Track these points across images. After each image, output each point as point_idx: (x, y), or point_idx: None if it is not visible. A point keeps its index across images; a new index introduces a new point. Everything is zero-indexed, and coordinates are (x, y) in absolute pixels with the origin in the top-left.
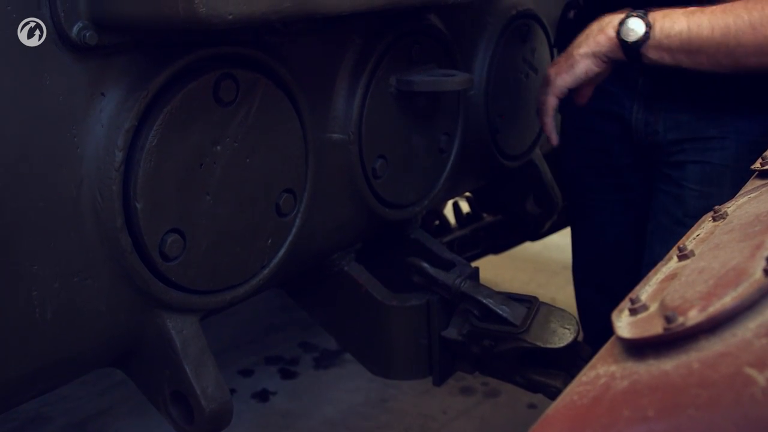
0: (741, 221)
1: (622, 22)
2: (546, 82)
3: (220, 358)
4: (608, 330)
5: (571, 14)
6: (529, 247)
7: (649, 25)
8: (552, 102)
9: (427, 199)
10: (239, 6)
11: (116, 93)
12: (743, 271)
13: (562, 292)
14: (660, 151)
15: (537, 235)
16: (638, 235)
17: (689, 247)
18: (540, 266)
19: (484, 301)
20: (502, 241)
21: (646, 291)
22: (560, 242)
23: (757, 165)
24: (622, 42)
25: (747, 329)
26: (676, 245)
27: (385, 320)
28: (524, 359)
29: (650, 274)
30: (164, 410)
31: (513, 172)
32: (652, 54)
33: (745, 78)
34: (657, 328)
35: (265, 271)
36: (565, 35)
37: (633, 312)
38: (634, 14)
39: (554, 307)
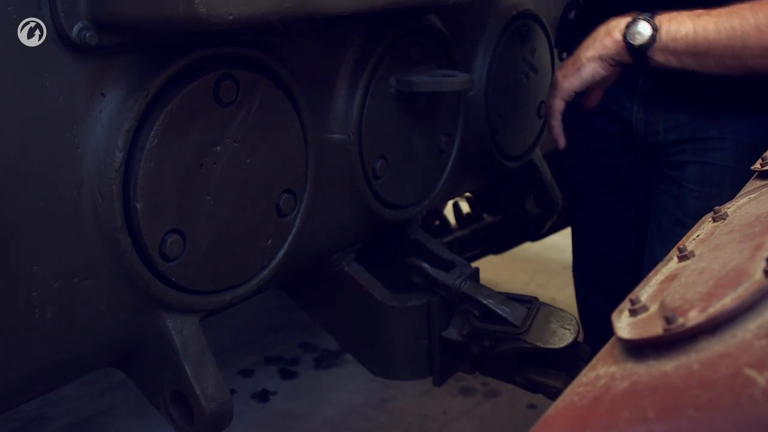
0: (741, 222)
1: (628, 26)
2: (553, 86)
3: (220, 359)
4: (608, 330)
5: (572, 14)
6: (529, 248)
7: (655, 29)
8: (559, 105)
9: (427, 200)
10: (239, 6)
11: (116, 93)
12: (743, 272)
13: (562, 293)
14: (660, 151)
15: (537, 235)
16: (638, 236)
17: (689, 248)
18: (540, 267)
19: (485, 301)
20: (502, 241)
21: (646, 292)
22: (560, 243)
23: (757, 166)
24: (628, 45)
25: (747, 330)
26: (677, 246)
27: (385, 321)
28: (524, 360)
29: (650, 274)
30: (164, 411)
31: (513, 172)
32: (658, 57)
33: (744, 79)
34: (657, 328)
35: (265, 272)
36: (565, 35)
37: (633, 313)
38: (641, 17)
39: (554, 307)
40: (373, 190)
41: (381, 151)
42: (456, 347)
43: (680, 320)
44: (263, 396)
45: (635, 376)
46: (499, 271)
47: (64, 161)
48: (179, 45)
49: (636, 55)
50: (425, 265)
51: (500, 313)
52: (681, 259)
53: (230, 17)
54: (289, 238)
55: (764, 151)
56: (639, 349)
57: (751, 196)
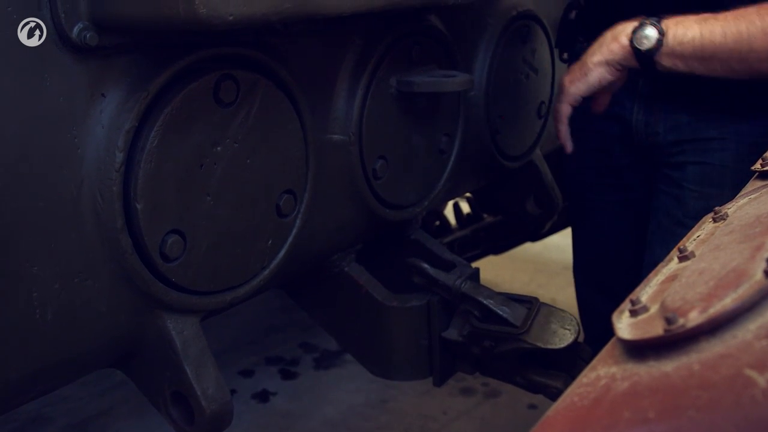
0: (741, 222)
1: (635, 30)
2: (560, 90)
3: (220, 359)
4: (609, 330)
5: (573, 14)
6: (529, 248)
7: (662, 33)
8: (566, 110)
9: (427, 200)
10: (240, 7)
11: (117, 94)
12: (744, 272)
13: (562, 293)
14: (660, 151)
15: (537, 235)
16: (639, 236)
17: (690, 249)
18: (540, 267)
19: (485, 301)
20: (502, 241)
21: (646, 292)
22: (560, 243)
23: (757, 166)
24: (635, 50)
25: (747, 331)
26: (677, 246)
27: (385, 321)
28: (525, 360)
29: (651, 275)
30: (165, 411)
31: (513, 172)
32: (665, 61)
33: (745, 80)
34: (657, 329)
35: (266, 272)
36: (566, 35)
37: (633, 313)
38: (648, 22)
39: (554, 307)
40: (374, 191)
41: (381, 151)
42: (456, 347)
43: (681, 321)
44: (263, 396)
45: (636, 376)
46: (500, 271)
47: (65, 162)
48: (179, 45)
49: (643, 59)
50: (425, 266)
51: (500, 313)
52: (681, 259)
53: (230, 18)
54: (290, 239)
55: (764, 152)
56: (639, 350)
57: (752, 196)
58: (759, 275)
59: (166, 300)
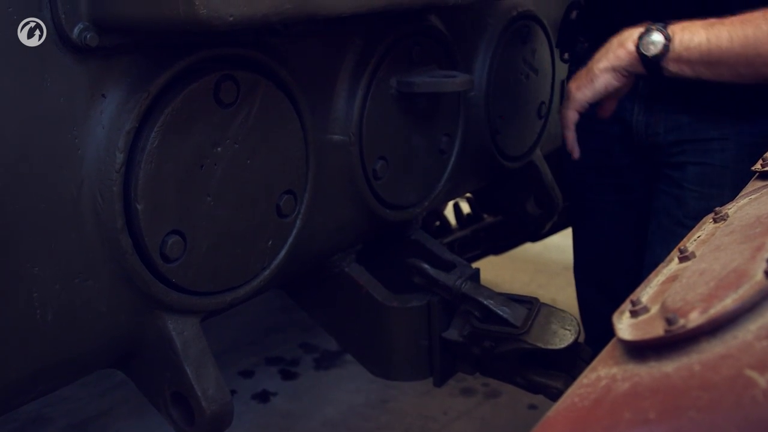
0: (742, 223)
1: (641, 36)
2: (567, 97)
3: (220, 359)
4: (609, 331)
5: (574, 15)
6: (529, 248)
7: (668, 38)
8: (573, 116)
9: (427, 200)
10: (240, 7)
11: (117, 94)
12: (744, 273)
13: (562, 293)
14: (660, 152)
15: (537, 235)
16: (639, 236)
17: (690, 249)
18: (540, 267)
19: (485, 302)
20: (502, 241)
21: (647, 293)
22: (561, 243)
23: (757, 166)
24: (642, 56)
25: (748, 331)
26: (677, 247)
27: (385, 321)
28: (525, 360)
29: (651, 275)
30: (165, 411)
31: (513, 172)
32: (672, 67)
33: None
34: (658, 330)
35: (266, 273)
36: (567, 36)
37: (634, 314)
38: (654, 27)
39: (555, 308)
40: (374, 191)
41: (381, 151)
42: (456, 348)
43: (681, 321)
44: (264, 397)
45: (636, 377)
46: (500, 271)
47: (65, 162)
48: (180, 46)
49: (649, 65)
50: (426, 266)
51: (501, 313)
52: (682, 260)
53: (231, 18)
54: (290, 239)
55: (765, 152)
56: (640, 351)
57: (752, 196)
58: (759, 276)
59: (167, 300)
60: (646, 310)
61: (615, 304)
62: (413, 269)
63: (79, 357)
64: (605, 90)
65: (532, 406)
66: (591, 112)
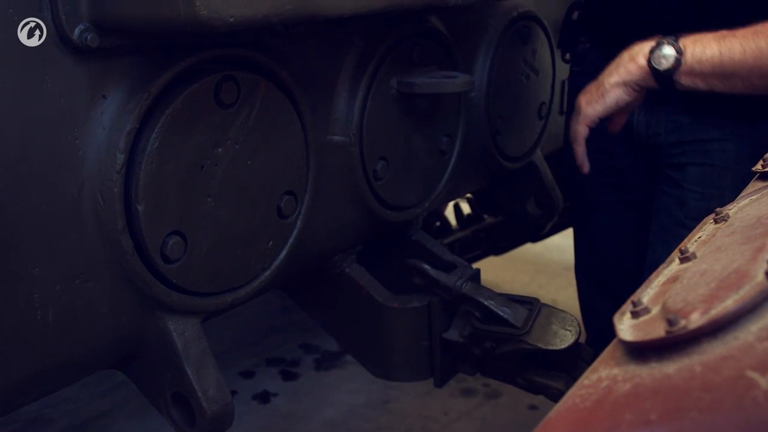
0: (742, 223)
1: (652, 50)
2: (577, 111)
3: (221, 360)
4: (610, 331)
5: (575, 15)
6: (530, 249)
7: (680, 52)
8: (583, 131)
9: (428, 201)
10: (240, 8)
11: (118, 95)
12: (745, 273)
13: (563, 294)
14: (661, 152)
15: (538, 236)
16: (640, 237)
17: (691, 250)
18: (541, 267)
19: (485, 302)
20: (503, 242)
21: (648, 294)
22: (561, 243)
23: (758, 167)
24: (653, 70)
25: (749, 332)
26: (678, 248)
27: (386, 322)
28: (525, 361)
29: (652, 276)
30: (165, 412)
31: (514, 173)
32: (684, 80)
33: None
34: (659, 331)
35: (267, 273)
36: (568, 36)
37: (635, 315)
38: (665, 41)
39: (555, 308)
40: (374, 192)
41: (382, 152)
42: (457, 348)
43: (682, 322)
44: (264, 397)
45: (637, 378)
46: (500, 272)
47: (65, 163)
48: (180, 47)
49: (661, 79)
50: (426, 267)
51: (501, 314)
52: (683, 260)
53: (231, 19)
54: (290, 240)
55: (765, 153)
56: (641, 351)
57: (753, 197)
58: (760, 277)
59: (167, 301)
60: (647, 310)
61: (616, 304)
62: (414, 270)
63: (80, 358)
64: (616, 105)
65: (533, 407)
66: (601, 127)
